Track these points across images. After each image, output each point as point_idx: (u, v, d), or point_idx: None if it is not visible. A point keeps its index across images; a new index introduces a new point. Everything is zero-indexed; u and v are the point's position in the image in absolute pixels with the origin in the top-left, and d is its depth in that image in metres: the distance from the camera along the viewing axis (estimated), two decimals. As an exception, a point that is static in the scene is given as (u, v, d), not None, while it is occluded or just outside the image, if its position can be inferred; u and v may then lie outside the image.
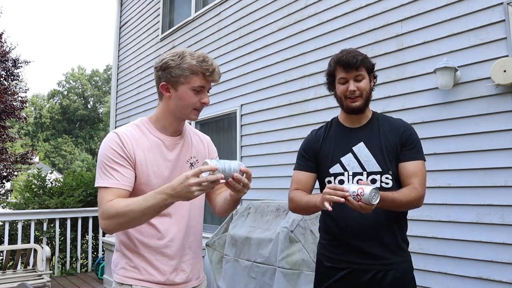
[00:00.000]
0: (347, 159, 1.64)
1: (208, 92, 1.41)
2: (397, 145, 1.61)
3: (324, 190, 1.43)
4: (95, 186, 1.35)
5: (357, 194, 1.36)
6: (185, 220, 1.46)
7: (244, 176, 1.23)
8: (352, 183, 1.60)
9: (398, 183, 1.61)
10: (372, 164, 1.60)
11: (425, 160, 1.62)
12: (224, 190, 1.49)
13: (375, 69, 1.71)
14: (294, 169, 1.77)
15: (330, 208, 1.40)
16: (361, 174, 1.61)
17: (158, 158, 1.40)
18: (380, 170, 1.59)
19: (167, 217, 1.41)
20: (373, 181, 1.60)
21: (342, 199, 1.37)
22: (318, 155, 1.71)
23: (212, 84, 1.41)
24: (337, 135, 1.70)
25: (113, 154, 1.33)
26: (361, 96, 1.61)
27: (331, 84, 1.70)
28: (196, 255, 1.52)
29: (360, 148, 1.63)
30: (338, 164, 1.65)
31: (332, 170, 1.66)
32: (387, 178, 1.59)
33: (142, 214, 1.23)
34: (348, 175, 1.62)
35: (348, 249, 1.62)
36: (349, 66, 1.59)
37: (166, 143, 1.43)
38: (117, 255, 1.45)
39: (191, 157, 1.49)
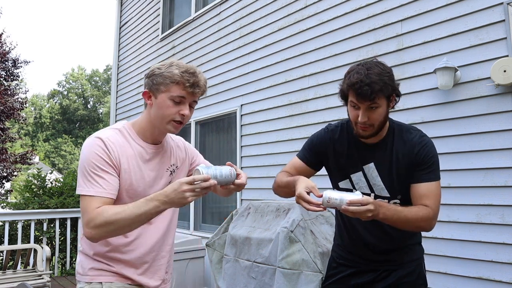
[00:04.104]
0: (357, 178, 1.59)
1: (192, 106, 1.39)
2: (409, 167, 1.51)
3: (299, 197, 1.38)
4: (78, 193, 1.30)
5: (328, 200, 1.33)
6: (162, 229, 1.49)
7: (241, 177, 1.34)
8: None
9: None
10: (380, 189, 1.56)
11: (439, 179, 1.51)
12: None
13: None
14: (296, 155, 1.72)
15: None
16: (369, 195, 1.56)
17: (141, 165, 1.41)
18: (388, 195, 1.55)
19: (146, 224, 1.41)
20: None
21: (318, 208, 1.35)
22: (327, 158, 1.66)
23: (197, 98, 1.40)
24: (351, 146, 1.61)
25: (98, 161, 1.30)
26: (373, 126, 1.47)
27: (344, 100, 1.55)
28: (168, 261, 1.56)
29: (370, 169, 1.57)
30: (347, 180, 1.62)
31: (342, 184, 1.65)
32: (395, 203, 1.55)
33: (132, 221, 1.23)
34: None
35: (359, 257, 1.69)
36: (363, 98, 1.41)
37: (148, 151, 1.43)
38: (83, 257, 1.44)
39: (171, 165, 1.51)
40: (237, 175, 1.34)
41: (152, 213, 1.23)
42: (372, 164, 1.56)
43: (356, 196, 1.33)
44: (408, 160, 1.51)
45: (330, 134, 1.66)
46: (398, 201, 1.55)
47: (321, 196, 1.35)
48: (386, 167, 1.54)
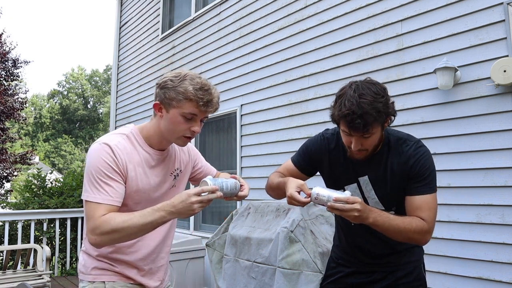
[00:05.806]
0: (351, 189, 1.56)
1: (202, 121, 1.38)
2: (403, 179, 1.47)
3: (291, 197, 1.38)
4: (84, 199, 1.30)
5: (316, 197, 1.34)
6: (164, 232, 1.52)
7: (244, 189, 1.38)
8: None
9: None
10: (374, 203, 1.53)
11: (435, 191, 1.46)
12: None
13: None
14: (291, 158, 1.71)
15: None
16: None
17: (147, 171, 1.41)
18: (383, 208, 1.51)
19: None
20: None
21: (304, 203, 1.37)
22: (322, 165, 1.64)
23: (208, 114, 1.37)
24: (346, 159, 1.56)
25: (106, 168, 1.28)
26: (367, 150, 1.43)
27: (335, 124, 1.49)
28: (166, 262, 1.59)
29: (365, 182, 1.54)
30: (342, 190, 1.58)
31: None
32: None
33: (138, 230, 1.24)
34: None
35: (355, 258, 1.69)
36: (355, 130, 1.34)
37: (154, 157, 1.43)
38: (86, 257, 1.45)
39: (175, 169, 1.52)
40: (240, 186, 1.36)
41: (158, 222, 1.24)
42: (366, 177, 1.53)
43: (344, 194, 1.33)
44: (403, 172, 1.47)
45: (326, 142, 1.62)
46: (393, 212, 1.53)
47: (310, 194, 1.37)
48: (381, 180, 1.51)
